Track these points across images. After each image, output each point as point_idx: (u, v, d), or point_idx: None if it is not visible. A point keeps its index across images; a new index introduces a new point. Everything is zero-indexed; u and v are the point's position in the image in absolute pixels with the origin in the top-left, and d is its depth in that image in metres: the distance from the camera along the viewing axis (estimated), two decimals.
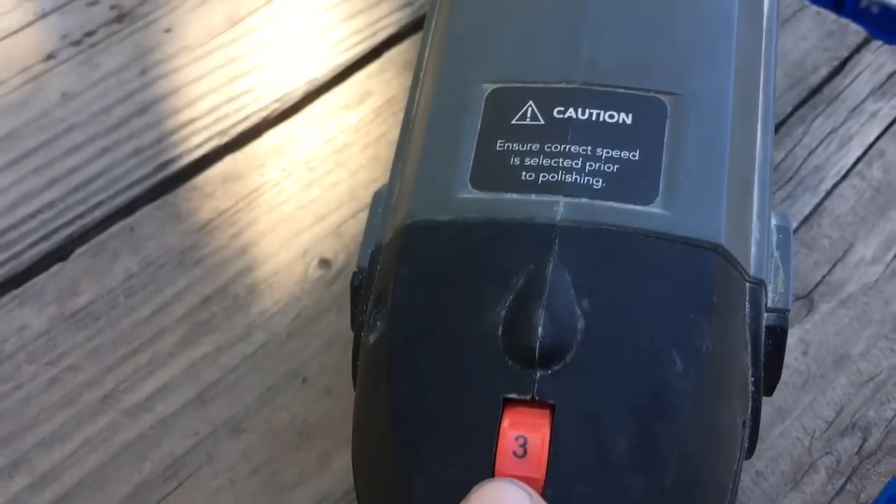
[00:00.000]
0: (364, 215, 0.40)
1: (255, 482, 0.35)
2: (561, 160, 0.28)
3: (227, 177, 0.43)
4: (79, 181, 0.43)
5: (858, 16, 0.49)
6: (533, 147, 0.29)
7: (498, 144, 0.29)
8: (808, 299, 0.39)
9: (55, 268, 0.40)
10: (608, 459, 0.25)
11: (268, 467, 0.36)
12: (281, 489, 0.35)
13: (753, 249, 0.29)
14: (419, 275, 0.28)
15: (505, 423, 0.25)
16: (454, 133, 0.30)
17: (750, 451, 0.29)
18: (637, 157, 0.28)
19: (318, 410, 0.37)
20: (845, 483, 0.35)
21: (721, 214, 0.28)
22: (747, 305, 0.28)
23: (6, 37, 0.47)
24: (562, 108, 0.29)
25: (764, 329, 0.28)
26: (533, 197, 0.28)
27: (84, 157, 0.43)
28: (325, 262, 0.40)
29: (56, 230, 0.41)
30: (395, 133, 0.42)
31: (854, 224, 0.40)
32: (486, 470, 0.25)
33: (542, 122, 0.29)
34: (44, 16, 0.48)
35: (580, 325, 0.26)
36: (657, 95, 0.29)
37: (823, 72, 0.45)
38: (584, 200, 0.28)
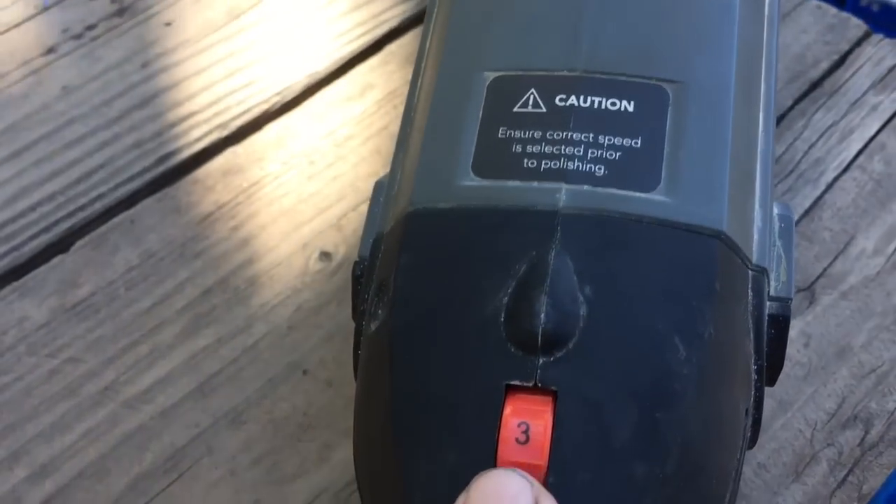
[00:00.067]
0: (365, 208, 0.40)
1: (255, 473, 0.35)
2: (563, 147, 0.28)
3: (228, 170, 0.43)
4: (79, 174, 0.43)
5: (858, 13, 0.49)
6: (535, 134, 0.29)
7: (500, 132, 0.29)
8: (809, 291, 0.39)
9: (56, 260, 0.40)
10: (610, 446, 0.25)
11: (268, 459, 0.36)
12: (281, 481, 0.35)
13: (755, 237, 0.29)
14: (421, 262, 0.28)
15: (507, 410, 0.25)
16: (456, 121, 0.30)
17: (752, 441, 0.29)
18: (639, 145, 0.28)
19: (318, 402, 0.37)
20: (847, 475, 0.35)
21: (723, 202, 0.28)
22: (750, 293, 0.28)
23: (7, 30, 0.47)
24: (564, 96, 0.29)
25: (766, 317, 0.28)
26: (535, 184, 0.28)
27: (85, 150, 0.43)
28: (325, 255, 0.40)
29: (57, 222, 0.41)
30: (396, 126, 0.42)
31: (855, 216, 0.40)
32: (488, 457, 0.25)
33: (544, 109, 0.29)
34: (45, 9, 0.48)
35: (582, 311, 0.26)
36: (659, 83, 0.29)
37: (824, 65, 0.45)
38: (586, 187, 0.28)
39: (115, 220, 0.41)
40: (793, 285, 0.29)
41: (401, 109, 0.43)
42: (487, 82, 0.30)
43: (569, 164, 0.28)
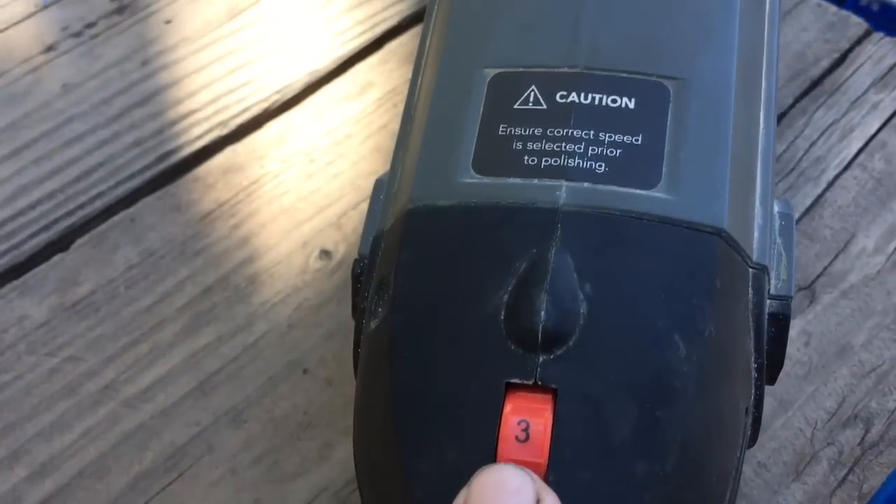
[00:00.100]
0: (365, 206, 0.40)
1: (255, 472, 0.35)
2: (563, 144, 0.28)
3: (228, 168, 0.43)
4: (79, 172, 0.43)
5: (859, 12, 0.49)
6: (535, 131, 0.29)
7: (500, 129, 0.29)
8: (809, 290, 0.38)
9: (56, 258, 0.40)
10: (611, 444, 0.25)
11: (269, 457, 0.36)
12: (282, 479, 0.35)
13: (756, 235, 0.29)
14: (421, 260, 0.28)
15: (507, 408, 0.25)
16: (456, 118, 0.30)
17: (753, 440, 0.29)
18: (640, 142, 0.28)
19: (318, 401, 0.37)
20: (847, 474, 0.35)
21: (724, 199, 0.28)
22: (750, 291, 0.28)
23: (7, 28, 0.47)
24: (564, 93, 0.29)
25: (767, 315, 0.28)
26: (535, 181, 0.28)
27: (85, 148, 0.43)
28: (325, 253, 0.40)
29: (57, 221, 0.41)
30: (395, 124, 0.42)
31: (856, 215, 0.40)
32: (488, 455, 0.25)
33: (545, 106, 0.29)
34: (44, 7, 0.48)
35: (583, 309, 0.26)
36: (660, 80, 0.29)
37: (825, 63, 0.45)
38: (586, 185, 0.27)
39: (116, 218, 0.41)
40: (793, 283, 0.29)
41: (401, 108, 0.43)
42: (488, 79, 0.30)
43: (569, 161, 0.28)
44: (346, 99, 0.45)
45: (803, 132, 0.43)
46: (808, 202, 0.41)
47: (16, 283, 0.40)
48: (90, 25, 0.47)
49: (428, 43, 0.34)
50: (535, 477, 0.23)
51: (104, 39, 0.47)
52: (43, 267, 0.40)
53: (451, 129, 0.29)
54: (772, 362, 0.29)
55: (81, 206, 0.42)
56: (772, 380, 0.30)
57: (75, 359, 0.38)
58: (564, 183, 0.28)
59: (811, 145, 0.42)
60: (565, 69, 0.30)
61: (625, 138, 0.28)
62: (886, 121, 0.43)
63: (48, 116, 0.44)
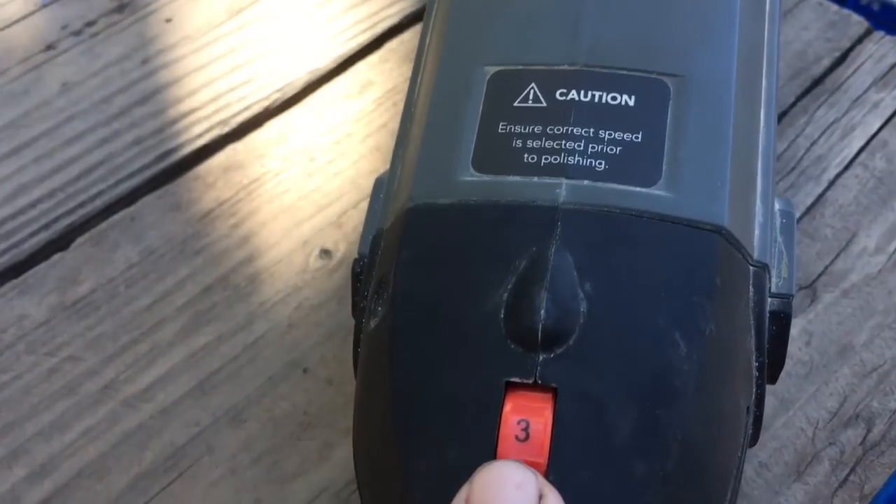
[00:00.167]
0: (365, 205, 0.40)
1: (255, 472, 0.35)
2: (563, 142, 0.28)
3: (228, 166, 0.43)
4: (79, 170, 0.43)
5: (859, 11, 0.49)
6: (535, 129, 0.28)
7: (500, 127, 0.29)
8: (811, 289, 0.38)
9: (55, 257, 0.40)
10: (611, 444, 0.25)
11: (269, 457, 0.36)
12: (282, 479, 0.35)
13: (757, 233, 0.29)
14: (421, 258, 0.28)
15: (507, 407, 0.25)
16: (456, 116, 0.29)
17: (754, 439, 0.29)
18: (640, 139, 0.28)
19: (318, 401, 0.37)
20: (849, 474, 0.34)
21: (724, 197, 0.28)
22: (751, 289, 0.28)
23: (6, 27, 0.47)
24: (564, 91, 0.29)
25: (768, 314, 0.28)
26: (535, 179, 0.28)
27: (85, 147, 0.43)
28: (325, 252, 0.40)
29: (56, 219, 0.41)
30: (395, 123, 0.42)
31: (857, 214, 0.40)
32: (488, 454, 0.25)
33: (545, 104, 0.29)
34: (44, 6, 0.48)
35: (583, 307, 0.26)
36: (660, 77, 0.29)
37: (826, 62, 0.45)
38: (586, 182, 0.27)
39: (116, 217, 0.41)
40: (794, 282, 0.29)
41: (400, 106, 0.43)
42: (487, 77, 0.30)
43: (569, 158, 0.28)
44: (347, 97, 0.45)
45: (804, 131, 0.42)
46: (810, 201, 0.41)
47: (15, 281, 0.40)
48: (90, 24, 0.47)
49: (428, 41, 0.34)
50: (538, 474, 0.23)
51: (104, 38, 0.47)
52: (42, 266, 0.40)
53: (451, 127, 0.29)
54: (773, 361, 0.29)
55: (81, 205, 0.42)
56: (773, 379, 0.29)
57: (75, 358, 0.38)
58: (564, 181, 0.27)
59: (812, 144, 0.42)
60: (565, 67, 0.30)
61: (625, 136, 0.28)
62: (887, 120, 0.43)
63: (48, 115, 0.44)
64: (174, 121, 0.44)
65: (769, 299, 0.28)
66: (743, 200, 0.29)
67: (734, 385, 0.27)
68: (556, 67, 0.30)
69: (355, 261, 0.30)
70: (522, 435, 0.25)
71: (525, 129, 0.29)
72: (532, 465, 0.24)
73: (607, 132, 0.28)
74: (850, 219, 0.40)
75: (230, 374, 0.37)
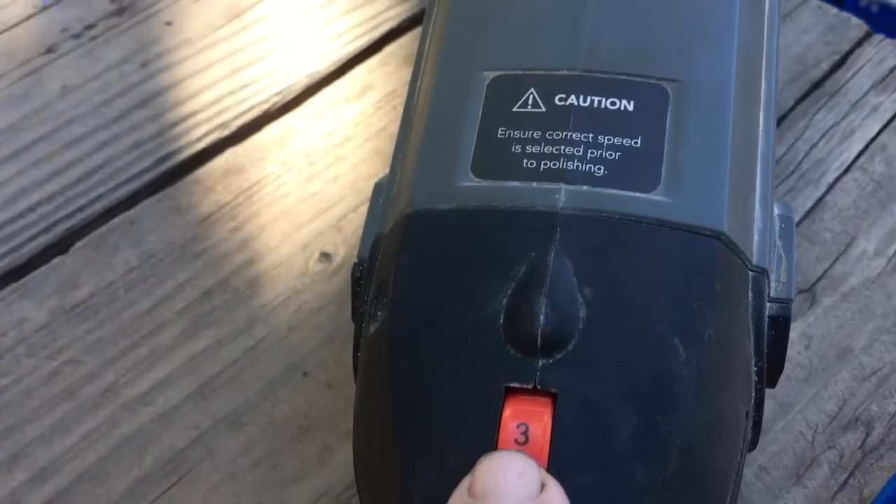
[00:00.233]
0: (364, 209, 0.40)
1: (255, 476, 0.35)
2: (562, 147, 0.28)
3: (228, 170, 0.43)
4: (79, 174, 0.43)
5: (858, 13, 0.49)
6: (534, 134, 0.28)
7: (499, 132, 0.29)
8: (810, 293, 0.38)
9: (55, 261, 0.40)
10: (610, 448, 0.25)
11: (269, 461, 0.36)
12: (282, 483, 0.35)
13: (756, 238, 0.29)
14: (420, 263, 0.28)
15: (507, 412, 0.25)
16: (455, 121, 0.29)
17: (753, 443, 0.29)
18: (639, 145, 0.28)
19: (318, 404, 0.37)
20: (848, 478, 0.34)
21: (723, 202, 0.28)
22: (750, 294, 0.28)
23: (6, 30, 0.47)
24: (563, 96, 0.29)
25: (767, 319, 0.28)
26: (534, 185, 0.28)
27: (84, 150, 0.43)
28: (325, 256, 0.40)
29: (56, 223, 0.41)
30: (395, 127, 0.42)
31: (856, 218, 0.40)
32: None
33: (544, 109, 0.29)
34: (44, 9, 0.48)
35: (582, 313, 0.26)
36: (659, 82, 0.29)
37: (825, 66, 0.45)
38: (585, 188, 0.27)
39: (115, 220, 0.41)
40: (793, 286, 0.29)
41: (400, 110, 0.43)
42: (487, 82, 0.30)
43: (568, 164, 0.28)
44: (346, 101, 0.45)
45: (804, 134, 0.42)
46: (809, 205, 0.41)
47: (15, 285, 0.40)
48: (90, 27, 0.47)
49: (427, 45, 0.34)
50: (539, 466, 0.23)
51: (104, 41, 0.47)
52: (42, 269, 0.40)
53: (450, 132, 0.29)
54: (772, 365, 0.29)
55: (81, 209, 0.42)
56: (772, 383, 0.29)
57: (75, 362, 0.38)
58: (563, 186, 0.27)
59: (811, 147, 0.42)
60: (564, 72, 0.30)
61: (624, 141, 0.28)
62: (887, 123, 0.43)
63: (48, 118, 0.44)
64: (174, 124, 0.44)
65: (768, 304, 0.28)
66: (742, 205, 0.29)
67: (733, 390, 0.27)
68: (555, 72, 0.30)
69: (355, 265, 0.30)
70: (522, 439, 0.25)
71: (524, 134, 0.29)
72: None
73: (606, 137, 0.28)
74: (849, 222, 0.40)
75: (230, 378, 0.37)
